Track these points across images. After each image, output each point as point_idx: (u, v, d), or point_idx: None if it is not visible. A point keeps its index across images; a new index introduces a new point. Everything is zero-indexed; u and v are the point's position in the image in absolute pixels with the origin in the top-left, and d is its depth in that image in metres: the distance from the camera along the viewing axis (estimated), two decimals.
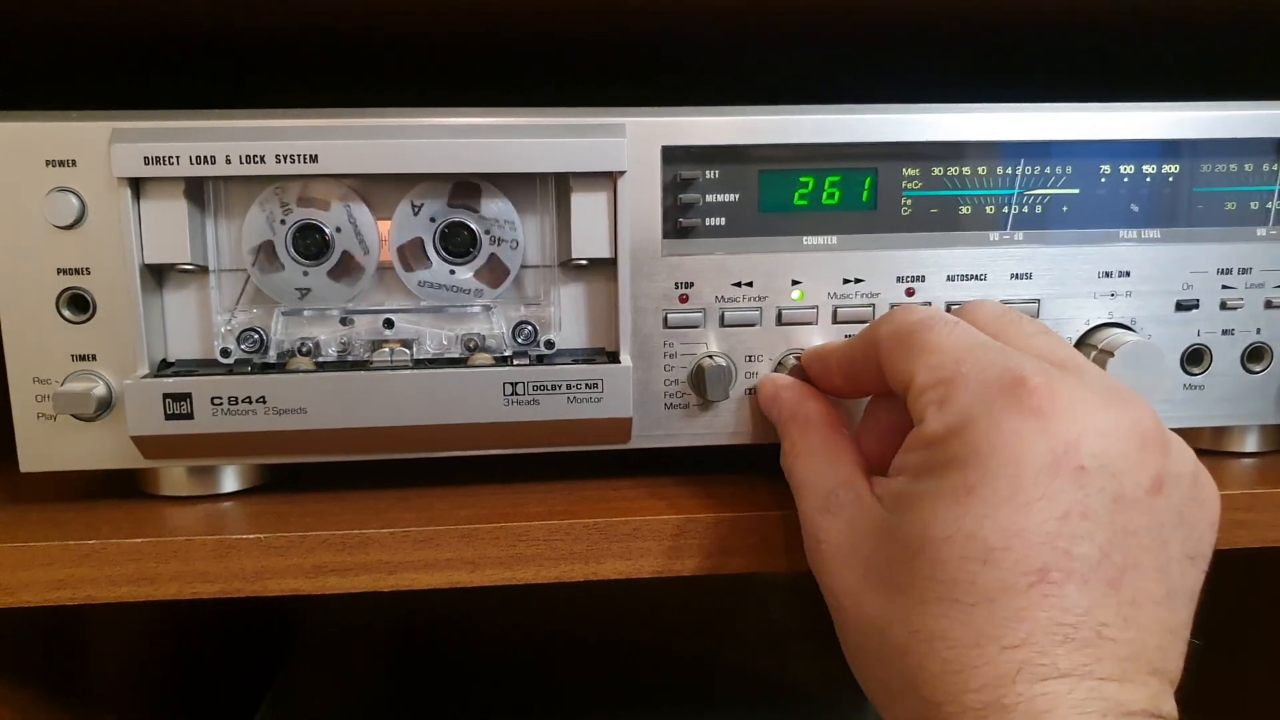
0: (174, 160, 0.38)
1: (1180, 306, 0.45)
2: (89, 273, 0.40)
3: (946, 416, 0.32)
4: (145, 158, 0.38)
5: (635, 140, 0.41)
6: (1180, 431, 0.34)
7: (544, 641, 0.82)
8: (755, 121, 0.42)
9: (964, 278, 0.44)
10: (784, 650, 0.85)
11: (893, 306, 0.43)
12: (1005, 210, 0.44)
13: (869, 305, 0.43)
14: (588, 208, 0.41)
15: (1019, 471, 0.30)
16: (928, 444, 0.33)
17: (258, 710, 0.70)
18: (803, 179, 0.43)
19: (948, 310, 0.43)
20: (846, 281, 0.43)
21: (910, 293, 0.43)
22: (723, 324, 0.43)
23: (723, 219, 0.42)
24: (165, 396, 0.39)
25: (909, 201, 0.43)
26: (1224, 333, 0.45)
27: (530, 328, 0.43)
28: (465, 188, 0.41)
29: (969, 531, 0.30)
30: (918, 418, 0.34)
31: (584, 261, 0.42)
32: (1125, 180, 0.44)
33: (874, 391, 0.40)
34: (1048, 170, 0.44)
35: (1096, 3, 0.49)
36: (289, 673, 0.75)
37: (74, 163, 0.39)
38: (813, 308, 0.43)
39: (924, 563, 0.31)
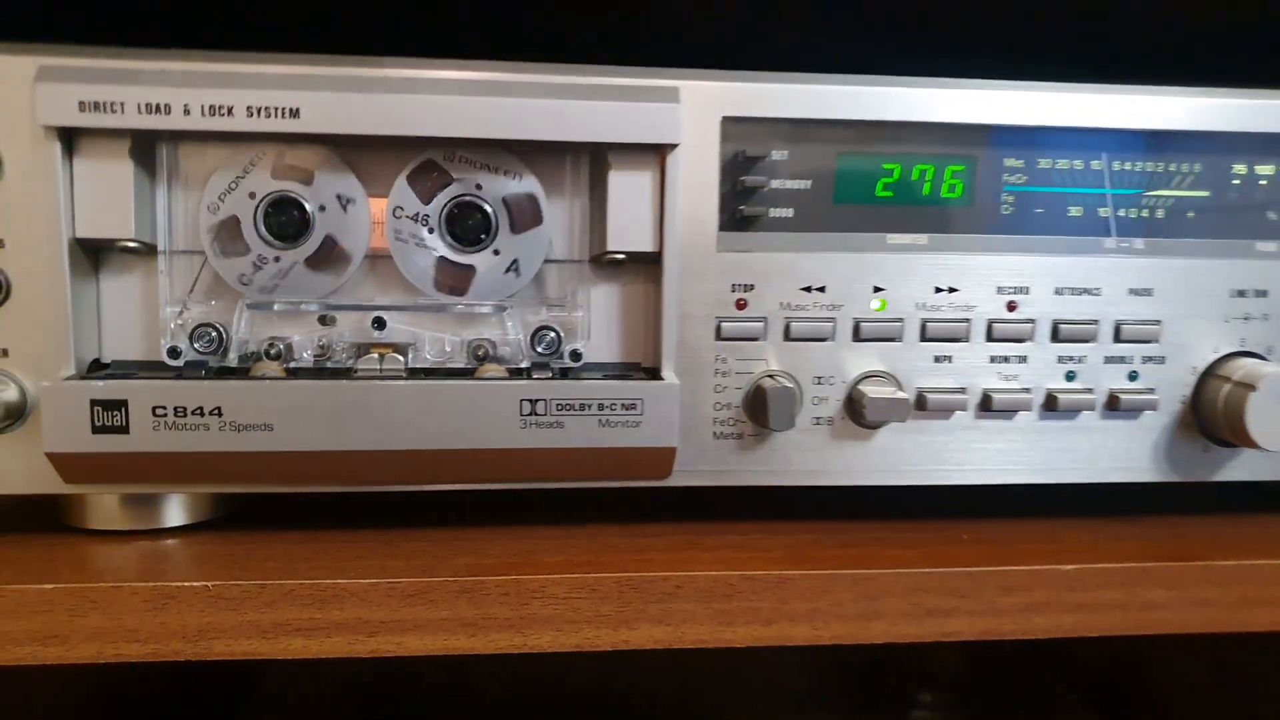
0: (118, 107, 0.31)
1: None
2: (2, 246, 0.32)
3: None
4: (80, 103, 0.31)
5: (690, 108, 0.34)
6: None
7: (533, 701, 0.74)
8: (835, 92, 0.34)
9: (1074, 291, 0.36)
10: (789, 714, 0.77)
11: (991, 323, 0.36)
12: (1123, 213, 0.37)
13: (964, 320, 0.36)
14: (629, 189, 0.34)
15: None
16: None
17: None
18: (887, 166, 0.35)
19: (1056, 328, 0.36)
20: (939, 290, 0.36)
21: (1012, 306, 0.36)
22: (788, 337, 0.35)
23: (791, 210, 0.35)
24: (94, 404, 0.31)
25: (1010, 198, 0.36)
26: None
27: (553, 334, 0.35)
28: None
29: None
30: None
31: (621, 256, 0.35)
32: (1262, 183, 0.37)
33: None
34: (1173, 168, 0.37)
35: None
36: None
37: None
38: (897, 320, 0.35)
39: None
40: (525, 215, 0.34)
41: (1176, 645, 0.62)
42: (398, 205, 0.34)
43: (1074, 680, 0.74)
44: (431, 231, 0.34)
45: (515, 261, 0.34)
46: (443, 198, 0.34)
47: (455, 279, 0.34)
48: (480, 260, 0.34)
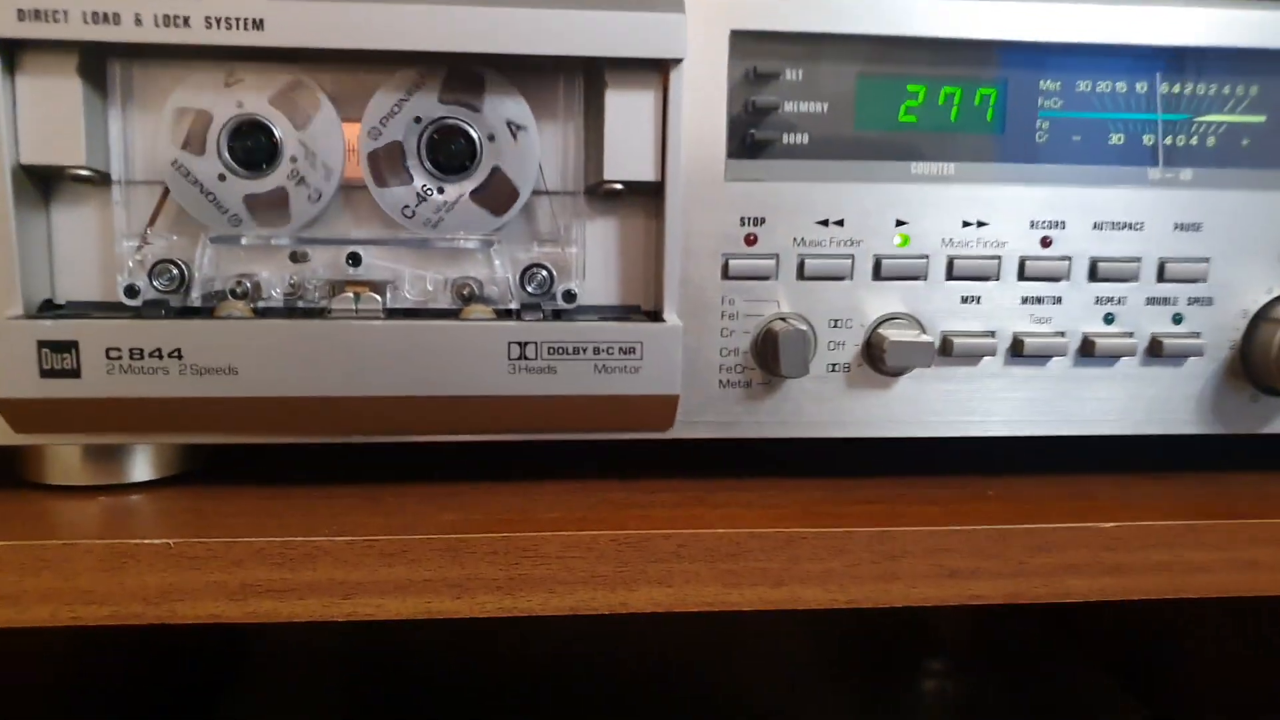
0: (60, 16, 0.28)
1: None
2: None
3: None
4: (20, 11, 0.28)
5: (696, 20, 0.30)
6: None
7: (524, 669, 0.72)
8: (855, 2, 0.31)
9: (1115, 226, 0.33)
10: (795, 689, 0.75)
11: (1024, 261, 0.33)
12: (1169, 141, 0.34)
13: (994, 257, 0.33)
14: (628, 111, 0.31)
15: None
16: None
17: None
18: (911, 88, 0.32)
19: (1094, 267, 0.33)
20: (966, 224, 0.33)
21: (1046, 242, 0.33)
22: (801, 275, 0.32)
23: (806, 136, 0.32)
24: (41, 345, 0.28)
25: (1045, 124, 0.33)
26: None
27: (544, 273, 0.32)
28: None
29: None
30: None
31: (619, 186, 0.31)
32: None
33: None
34: (1225, 90, 0.34)
35: None
36: (234, 701, 0.65)
37: None
38: (922, 257, 0.33)
39: None
40: (471, 89, 0.31)
41: (1200, 607, 0.59)
42: (403, 205, 0.31)
43: (1090, 644, 0.72)
44: (442, 191, 0.31)
45: (508, 121, 0.31)
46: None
47: (500, 194, 0.31)
48: (490, 155, 0.31)
